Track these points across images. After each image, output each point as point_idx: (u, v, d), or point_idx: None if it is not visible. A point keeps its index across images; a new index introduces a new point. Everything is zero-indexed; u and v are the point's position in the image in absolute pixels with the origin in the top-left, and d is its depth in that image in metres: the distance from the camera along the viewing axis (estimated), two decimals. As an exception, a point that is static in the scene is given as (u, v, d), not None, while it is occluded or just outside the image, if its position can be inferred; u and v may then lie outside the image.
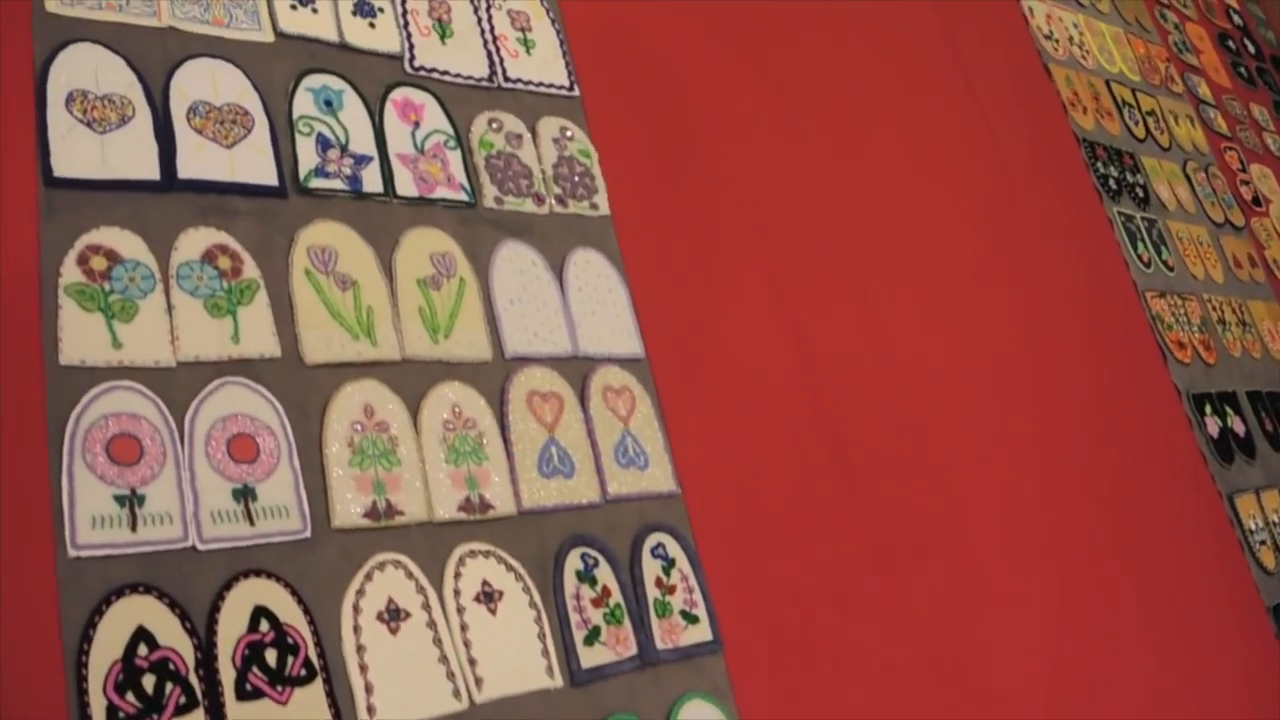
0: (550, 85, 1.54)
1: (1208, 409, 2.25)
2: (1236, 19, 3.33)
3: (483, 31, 1.52)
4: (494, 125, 1.46)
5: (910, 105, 2.16)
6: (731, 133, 1.70)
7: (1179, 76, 2.85)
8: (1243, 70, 3.15)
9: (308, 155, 1.29)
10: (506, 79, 1.50)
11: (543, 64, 1.55)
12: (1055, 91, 2.42)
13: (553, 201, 1.46)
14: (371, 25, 1.41)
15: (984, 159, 2.23)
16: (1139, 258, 2.33)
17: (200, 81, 1.25)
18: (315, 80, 1.33)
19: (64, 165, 1.12)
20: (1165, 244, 2.43)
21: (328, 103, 1.33)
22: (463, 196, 1.38)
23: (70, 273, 1.09)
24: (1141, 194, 2.45)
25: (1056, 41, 2.50)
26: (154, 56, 1.23)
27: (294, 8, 1.36)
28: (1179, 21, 3.01)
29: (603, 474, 1.34)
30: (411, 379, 1.24)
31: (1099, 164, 2.39)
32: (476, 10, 1.52)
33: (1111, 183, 2.39)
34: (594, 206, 1.50)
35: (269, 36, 1.32)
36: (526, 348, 1.35)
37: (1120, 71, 2.65)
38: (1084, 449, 2.05)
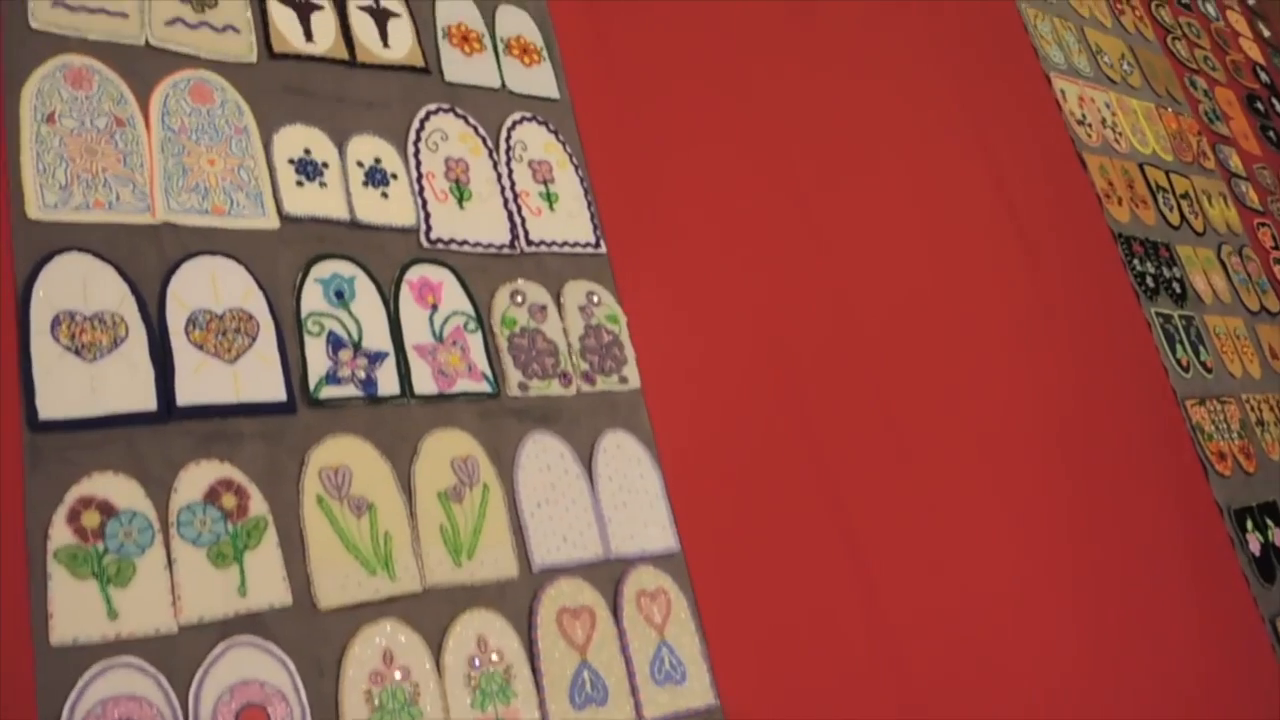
0: (575, 244, 1.43)
1: (1249, 524, 2.16)
2: (1264, 76, 3.23)
3: (503, 189, 1.40)
4: (516, 299, 1.35)
5: (939, 206, 2.06)
6: (761, 283, 1.59)
7: (1210, 150, 2.75)
8: (1272, 134, 3.05)
9: (318, 360, 1.17)
10: (529, 242, 1.39)
11: (567, 220, 1.44)
12: (1090, 184, 2.31)
13: (580, 380, 1.36)
14: (384, 195, 1.30)
15: (1017, 262, 2.13)
16: (1178, 362, 2.24)
17: (200, 286, 1.13)
18: (325, 269, 1.22)
19: (50, 405, 1.01)
20: (1203, 342, 2.33)
21: (338, 294, 1.22)
22: (485, 387, 1.28)
23: (60, 534, 0.98)
24: (1179, 289, 2.36)
25: (1090, 127, 2.39)
26: (149, 261, 1.11)
27: (300, 184, 1.24)
28: (1208, 88, 2.91)
29: (638, 695, 1.23)
30: (434, 611, 1.14)
31: (1135, 261, 2.29)
32: (496, 165, 1.41)
33: (1149, 280, 2.29)
34: (623, 380, 1.39)
35: (273, 222, 1.21)
36: (555, 556, 1.25)
37: (1153, 152, 2.54)
38: (1122, 574, 1.96)
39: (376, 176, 1.30)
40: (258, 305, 1.16)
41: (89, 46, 1.17)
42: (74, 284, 1.06)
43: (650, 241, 1.50)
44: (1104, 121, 2.45)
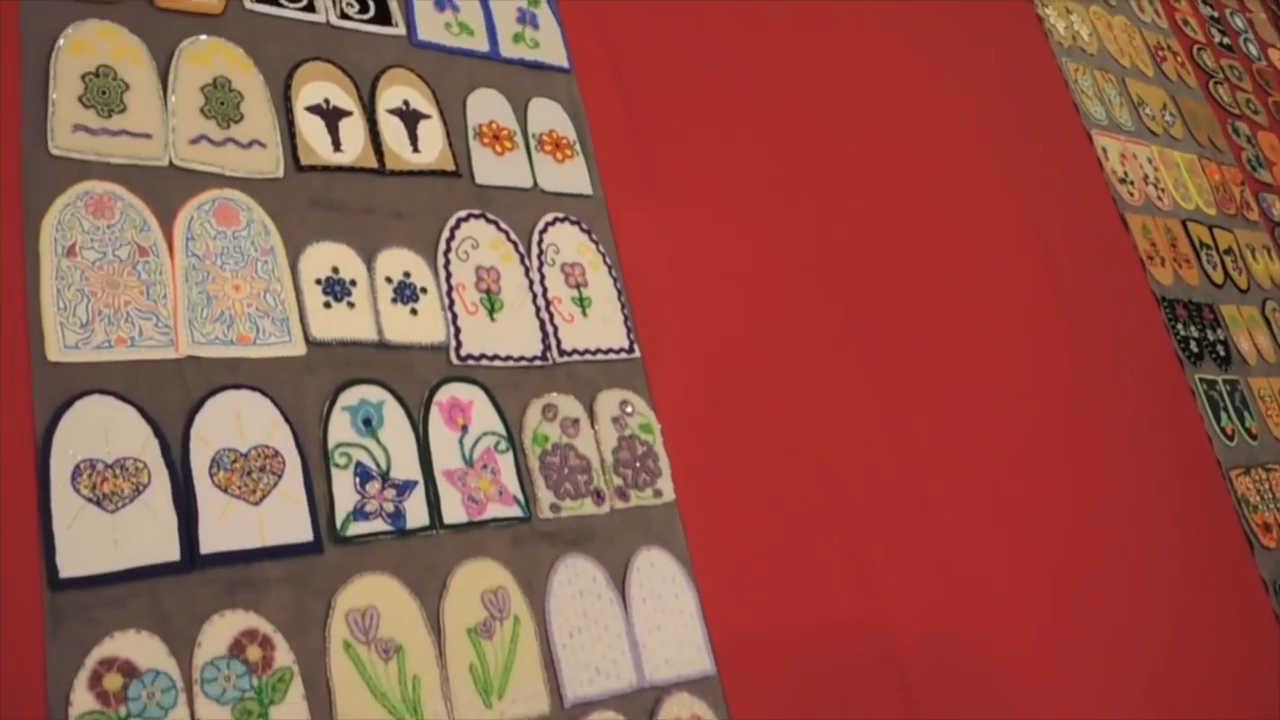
0: (609, 350, 1.39)
1: (1295, 601, 2.09)
2: (1307, 116, 3.14)
3: (534, 297, 1.36)
4: (548, 413, 1.31)
5: (979, 274, 2.00)
6: (800, 384, 1.55)
7: (1254, 200, 2.67)
8: (1316, 178, 2.97)
9: (345, 494, 1.14)
10: (561, 352, 1.35)
11: (600, 325, 1.40)
12: (1133, 246, 2.25)
13: (613, 497, 1.32)
14: (414, 312, 1.26)
15: (1059, 330, 2.07)
16: (1222, 431, 2.17)
17: (224, 423, 1.10)
18: (352, 395, 1.18)
19: (71, 562, 0.98)
20: (1248, 407, 2.27)
21: (366, 421, 1.18)
22: (516, 511, 1.24)
23: (81, 700, 0.95)
24: (1223, 352, 2.29)
25: (1132, 185, 2.33)
26: (172, 398, 1.08)
27: (327, 305, 1.20)
28: (1251, 133, 2.83)
29: (673, 834, 1.20)
30: (464, 758, 1.10)
31: (1179, 325, 2.22)
32: (528, 272, 1.37)
33: (1193, 345, 2.22)
34: (658, 493, 1.35)
35: (300, 348, 1.17)
36: (588, 689, 1.21)
37: (1196, 207, 2.47)
38: (1164, 648, 1.91)
39: (406, 292, 1.26)
40: (283, 439, 1.13)
41: (111, 171, 1.13)
42: (95, 430, 1.03)
43: (686, 344, 1.46)
44: (1146, 178, 2.39)
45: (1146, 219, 2.32)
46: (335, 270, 1.23)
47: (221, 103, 1.22)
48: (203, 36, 1.24)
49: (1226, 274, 2.44)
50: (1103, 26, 2.56)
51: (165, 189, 1.16)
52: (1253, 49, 3.07)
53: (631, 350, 1.41)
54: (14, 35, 1.14)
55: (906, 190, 1.93)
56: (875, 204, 1.82)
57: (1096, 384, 2.08)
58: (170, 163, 1.17)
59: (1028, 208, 2.16)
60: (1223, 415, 2.20)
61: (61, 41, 1.15)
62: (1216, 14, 3.03)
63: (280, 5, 1.32)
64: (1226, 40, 2.99)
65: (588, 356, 1.37)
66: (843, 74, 1.91)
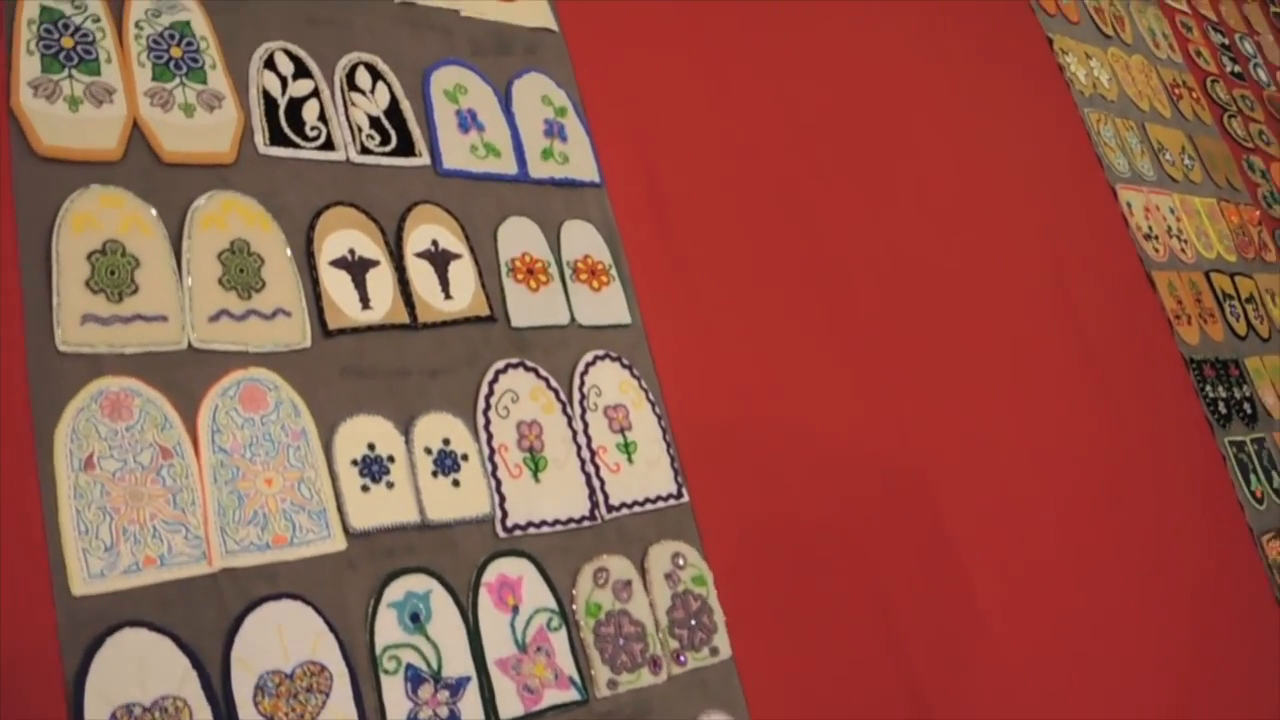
0: (657, 498, 1.31)
1: (1330, 670, 2.06)
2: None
3: (579, 449, 1.28)
4: (600, 579, 1.23)
5: (1008, 340, 1.94)
6: (854, 516, 1.47)
7: (1271, 240, 2.63)
8: (1329, 207, 2.93)
9: (397, 703, 1.06)
10: (609, 508, 1.27)
11: (646, 471, 1.32)
12: (1159, 305, 2.20)
13: (670, 662, 1.24)
14: (456, 484, 1.17)
15: (1087, 396, 2.01)
16: (1252, 495, 2.13)
17: (266, 642, 1.01)
18: (397, 589, 1.10)
19: (110, 829, 0.89)
20: (1275, 466, 2.23)
21: (414, 617, 1.10)
22: (573, 695, 1.16)
23: None
24: (1249, 409, 2.25)
25: (1156, 240, 2.27)
26: (208, 620, 0.99)
27: (365, 489, 1.11)
28: (1265, 166, 2.78)
29: None
30: None
31: (1207, 386, 2.17)
32: (571, 421, 1.28)
33: (1221, 406, 2.18)
34: (714, 651, 1.28)
35: (340, 543, 1.08)
36: None
37: (1218, 255, 2.42)
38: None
39: (446, 462, 1.17)
40: (329, 652, 1.04)
41: (126, 363, 1.03)
42: (129, 670, 0.94)
43: (734, 481, 1.38)
44: (1169, 230, 2.33)
45: (1172, 275, 2.26)
46: (371, 447, 1.13)
47: (241, 270, 1.12)
48: (216, 193, 1.14)
49: (1249, 324, 2.39)
50: (1121, 69, 2.49)
51: (186, 377, 1.06)
52: (1262, 74, 3.02)
53: (680, 495, 1.33)
54: (9, 213, 1.03)
55: (941, 270, 1.86)
56: (915, 297, 1.74)
57: (1127, 452, 2.03)
58: (189, 345, 1.07)
59: (1056, 271, 2.09)
60: (1252, 478, 2.16)
61: (62, 216, 1.05)
62: (1227, 41, 2.97)
63: (297, 146, 1.21)
64: (1238, 68, 2.93)
65: (636, 509, 1.29)
66: (878, 167, 1.83)
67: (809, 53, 1.80)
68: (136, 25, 1.17)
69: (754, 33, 1.73)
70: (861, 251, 1.72)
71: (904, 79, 2.03)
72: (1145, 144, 2.41)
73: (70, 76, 1.10)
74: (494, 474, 1.20)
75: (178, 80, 1.17)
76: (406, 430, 1.16)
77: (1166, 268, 2.26)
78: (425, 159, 1.31)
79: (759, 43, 1.73)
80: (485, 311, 1.27)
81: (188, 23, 1.20)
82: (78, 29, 1.13)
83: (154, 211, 1.10)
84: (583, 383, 1.31)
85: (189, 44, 1.19)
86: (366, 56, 1.32)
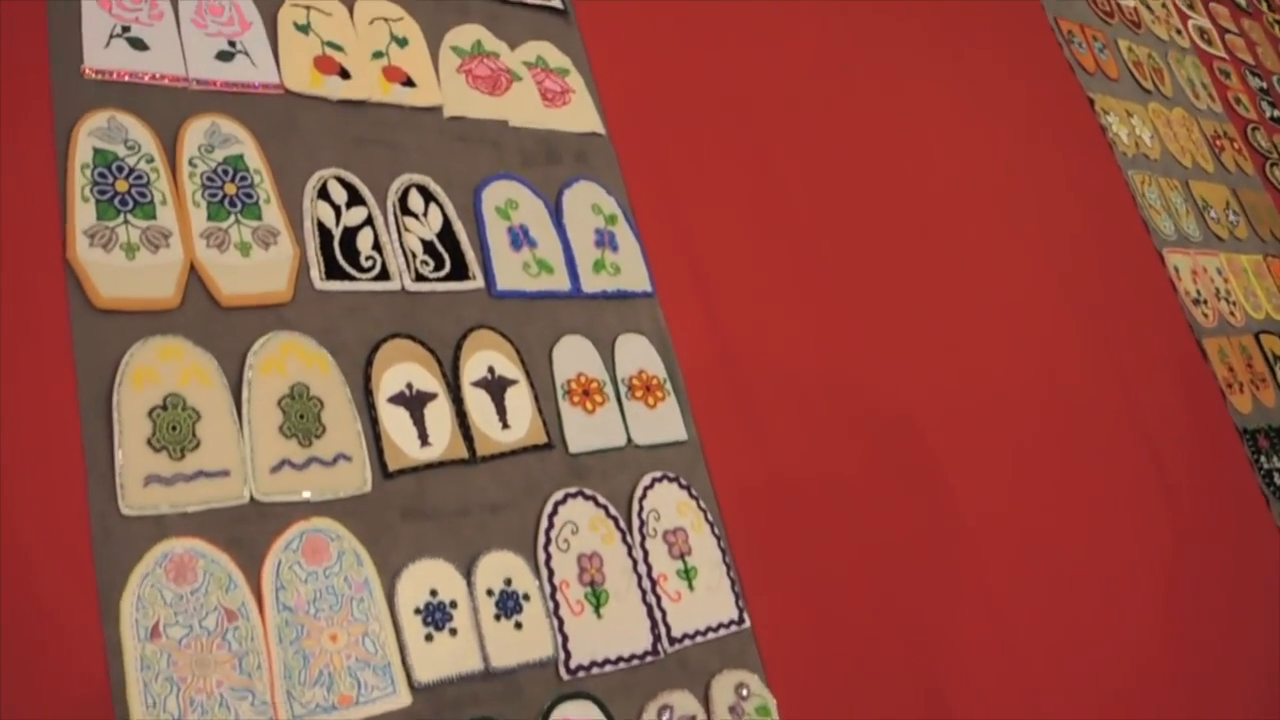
0: (719, 626, 1.29)
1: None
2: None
3: (639, 579, 1.25)
4: (664, 716, 1.20)
5: (1062, 425, 1.90)
6: (917, 638, 1.44)
7: (1317, 289, 2.58)
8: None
9: None
10: (671, 640, 1.24)
11: (708, 597, 1.29)
12: (1211, 375, 2.16)
13: (736, 798, 1.21)
14: (518, 626, 1.15)
15: (1145, 475, 1.98)
16: (1310, 569, 2.09)
17: (333, 811, 0.99)
18: (464, 743, 1.07)
19: None
20: (1332, 536, 2.18)
21: (481, 772, 1.07)
22: (641, 842, 1.13)
23: None
24: (1304, 478, 2.21)
25: (1205, 306, 2.23)
26: (275, 791, 0.97)
27: (429, 638, 1.09)
28: (1309, 217, 2.73)
29: None
30: None
31: (1261, 458, 2.13)
32: (631, 550, 1.26)
33: (1276, 478, 2.13)
34: (780, 784, 1.25)
35: (405, 698, 1.06)
36: None
37: (1266, 315, 2.38)
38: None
39: (509, 604, 1.15)
40: (397, 818, 1.02)
41: (189, 523, 1.01)
42: None
43: (795, 603, 1.35)
44: (1218, 293, 2.29)
45: (1222, 341, 2.22)
46: (434, 593, 1.11)
47: (301, 416, 1.10)
48: (274, 335, 1.12)
49: (1299, 385, 2.35)
50: (1162, 124, 2.45)
51: (249, 533, 1.04)
52: (1302, 118, 2.97)
53: (741, 620, 1.31)
54: (70, 372, 1.01)
55: (991, 361, 1.82)
56: (971, 393, 1.71)
57: (1182, 534, 1.99)
58: (251, 498, 1.05)
59: (1107, 347, 2.06)
60: (1309, 550, 2.12)
61: (122, 372, 1.03)
62: (1265, 84, 2.92)
63: (352, 278, 1.20)
64: (1278, 112, 2.89)
65: (698, 639, 1.27)
66: (928, 251, 1.80)
67: (858, 148, 1.78)
68: (190, 163, 1.15)
69: (802, 128, 1.71)
70: (922, 353, 1.69)
71: (949, 153, 2.00)
72: (1190, 203, 2.38)
73: (126, 222, 1.09)
74: (556, 613, 1.18)
75: (233, 218, 1.15)
76: (468, 572, 1.14)
77: (1217, 334, 2.22)
78: (479, 281, 1.29)
79: (808, 138, 1.71)
80: (543, 439, 1.25)
81: (240, 156, 1.19)
82: (132, 170, 1.11)
83: (213, 360, 1.08)
84: (641, 508, 1.29)
85: (243, 178, 1.18)
86: (418, 178, 1.30)
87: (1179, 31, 2.76)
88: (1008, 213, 2.05)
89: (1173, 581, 1.93)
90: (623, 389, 1.34)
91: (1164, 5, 2.78)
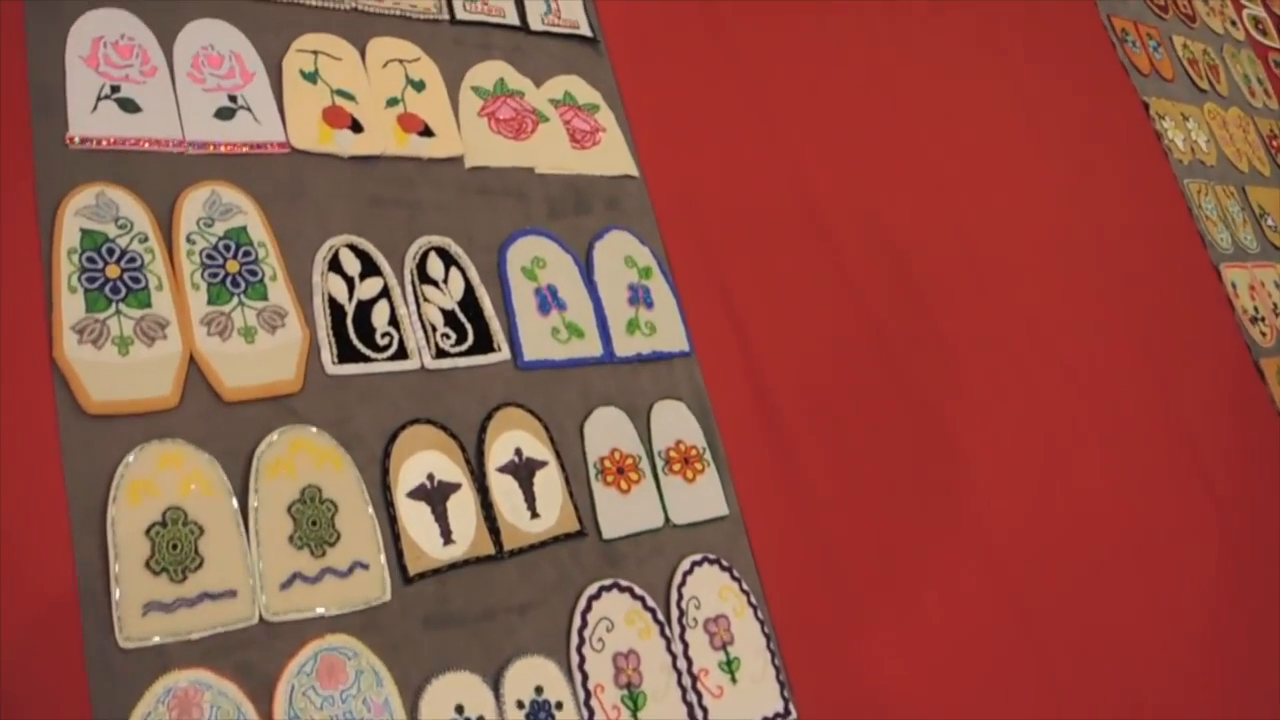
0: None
1: None
2: None
3: (679, 676, 1.16)
4: (707, 826, 1.12)
5: (1118, 453, 1.81)
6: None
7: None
8: None
9: None
10: (715, 741, 1.16)
11: (751, 690, 1.20)
12: (1269, 395, 2.05)
13: None
14: (551, 743, 1.06)
15: (1202, 512, 1.88)
16: (1370, 603, 1.99)
17: None
18: None
19: None
20: (1391, 565, 2.09)
21: None
22: None
23: None
24: (1362, 503, 2.10)
25: (1263, 324, 2.11)
26: None
27: (456, 763, 1.01)
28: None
29: None
30: None
31: (1320, 486, 2.03)
32: (670, 644, 1.17)
33: (1335, 507, 2.03)
34: None
35: (431, 831, 0.98)
36: None
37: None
38: None
39: (540, 715, 1.06)
40: None
41: (193, 650, 0.93)
42: None
43: (844, 692, 1.26)
44: (1275, 308, 2.17)
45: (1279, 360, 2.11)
46: (460, 710, 1.03)
47: (313, 522, 1.01)
48: (283, 432, 1.02)
49: (1359, 403, 2.24)
50: (1218, 126, 2.32)
51: (259, 657, 0.95)
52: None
53: (787, 713, 1.22)
54: (59, 490, 0.92)
55: (1040, 395, 1.72)
56: (1023, 442, 1.61)
57: (1237, 554, 1.90)
58: (261, 619, 0.96)
59: (1161, 367, 1.95)
60: (1370, 583, 2.02)
61: (117, 488, 0.94)
62: (1322, 75, 2.77)
63: (367, 360, 1.10)
64: (1335, 106, 2.74)
65: (745, 733, 1.18)
66: (982, 295, 1.68)
67: (908, 176, 1.66)
68: (188, 239, 1.05)
69: (848, 159, 1.59)
70: (976, 389, 1.59)
71: (999, 172, 1.88)
72: (1246, 211, 2.25)
73: (118, 313, 0.99)
74: (591, 720, 1.09)
75: (236, 300, 1.05)
76: (496, 683, 1.06)
77: (1273, 354, 2.11)
78: (505, 353, 1.19)
79: (855, 171, 1.59)
80: (574, 527, 1.16)
81: (244, 228, 1.08)
82: (123, 253, 1.01)
83: (216, 464, 0.99)
84: (680, 596, 1.20)
85: (246, 253, 1.07)
86: (438, 239, 1.20)
87: (1234, 23, 2.61)
88: (1061, 230, 1.93)
89: (1223, 607, 1.84)
90: (659, 463, 1.25)
91: (1218, -7, 2.64)
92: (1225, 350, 2.05)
